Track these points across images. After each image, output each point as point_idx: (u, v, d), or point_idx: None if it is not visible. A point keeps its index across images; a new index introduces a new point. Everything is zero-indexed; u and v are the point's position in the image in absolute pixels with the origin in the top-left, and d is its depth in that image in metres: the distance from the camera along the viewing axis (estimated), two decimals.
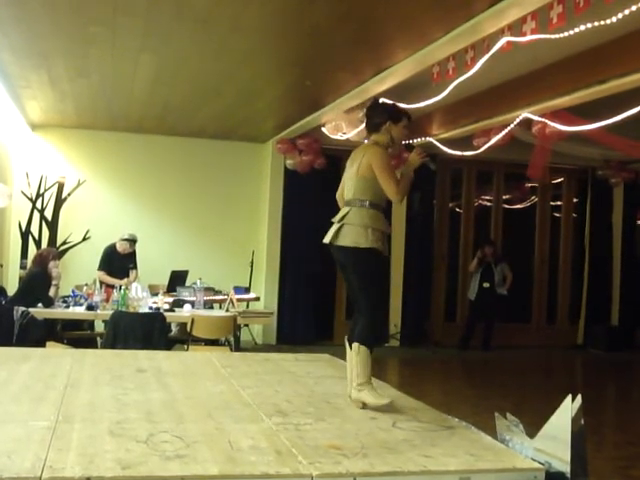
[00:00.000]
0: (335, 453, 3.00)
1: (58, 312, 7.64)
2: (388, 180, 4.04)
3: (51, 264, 7.72)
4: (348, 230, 4.07)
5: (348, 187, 4.19)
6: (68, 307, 7.77)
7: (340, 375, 4.90)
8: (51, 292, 7.69)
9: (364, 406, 3.93)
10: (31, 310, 7.21)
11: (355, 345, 4.01)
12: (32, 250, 10.34)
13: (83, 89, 8.77)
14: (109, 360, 5.29)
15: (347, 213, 4.12)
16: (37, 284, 7.60)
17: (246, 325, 10.36)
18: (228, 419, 3.53)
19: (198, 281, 8.83)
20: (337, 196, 4.40)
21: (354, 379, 4.00)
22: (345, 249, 4.07)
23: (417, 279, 12.05)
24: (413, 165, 4.29)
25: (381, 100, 4.58)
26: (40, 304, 7.48)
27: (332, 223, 4.20)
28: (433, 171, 4.46)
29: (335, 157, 10.64)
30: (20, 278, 9.75)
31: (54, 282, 7.78)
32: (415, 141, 10.34)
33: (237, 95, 8.74)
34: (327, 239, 4.16)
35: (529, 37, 5.34)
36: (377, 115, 4.26)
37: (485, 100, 8.34)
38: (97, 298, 7.74)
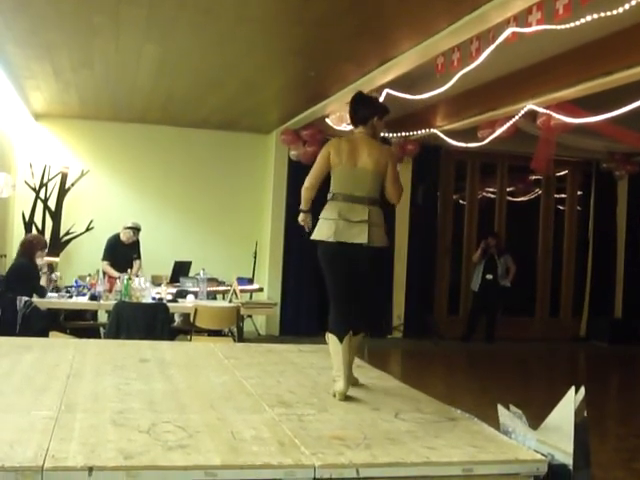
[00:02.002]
0: (338, 444, 2.99)
1: (61, 302, 7.64)
2: (398, 183, 4.13)
3: (38, 253, 7.66)
4: (378, 232, 4.05)
5: (360, 183, 4.06)
6: (71, 297, 7.76)
7: None
8: (42, 281, 7.67)
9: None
10: (34, 300, 7.21)
11: (358, 337, 4.15)
12: None
13: (87, 80, 8.76)
14: (112, 350, 5.29)
15: (370, 212, 4.02)
16: (24, 275, 7.50)
17: (249, 316, 10.36)
18: (231, 409, 3.53)
19: (201, 272, 8.82)
20: (312, 186, 4.17)
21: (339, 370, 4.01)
22: (376, 250, 4.05)
23: (420, 271, 12.05)
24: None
25: (364, 93, 4.51)
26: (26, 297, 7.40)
27: (344, 220, 4.00)
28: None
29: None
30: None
31: (43, 270, 7.75)
32: (419, 132, 10.34)
33: (241, 86, 8.72)
34: (360, 239, 3.98)
35: (535, 28, 5.30)
36: (365, 108, 4.24)
37: (490, 91, 8.31)
38: (100, 288, 7.73)
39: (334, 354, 4.05)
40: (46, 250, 7.93)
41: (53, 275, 8.10)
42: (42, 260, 7.76)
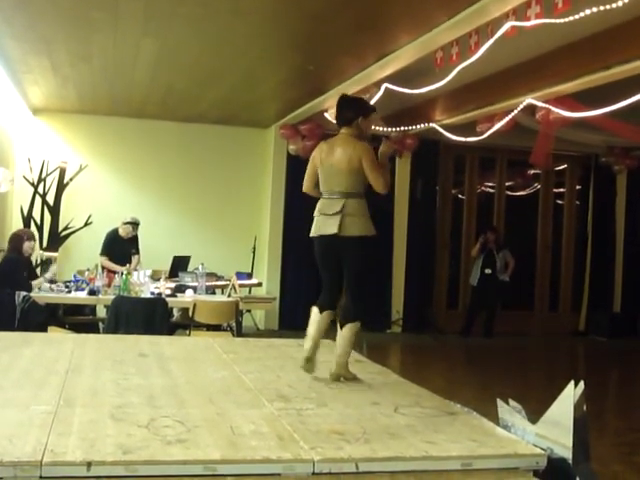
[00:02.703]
0: (337, 438, 2.99)
1: (60, 297, 7.64)
2: (376, 174, 4.30)
3: (26, 244, 7.65)
4: (352, 221, 4.30)
5: (337, 180, 4.36)
6: (70, 292, 7.77)
7: None
8: (44, 278, 7.68)
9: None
10: (33, 295, 7.21)
11: (349, 326, 4.36)
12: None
13: (85, 74, 8.74)
14: (111, 345, 5.29)
15: (345, 205, 4.31)
16: (10, 270, 7.47)
17: (248, 311, 10.36)
18: (230, 404, 3.53)
19: (200, 266, 8.82)
20: (308, 188, 4.61)
21: (342, 355, 4.37)
22: (352, 239, 4.31)
23: (419, 266, 12.04)
24: (387, 156, 4.55)
25: (349, 95, 4.87)
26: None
27: (323, 215, 4.39)
28: (394, 158, 4.80)
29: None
30: None
31: (47, 275, 7.77)
32: (418, 126, 10.33)
33: (239, 80, 8.71)
34: (332, 230, 4.31)
35: (534, 22, 5.29)
36: (349, 110, 4.48)
37: (489, 86, 8.30)
38: (99, 283, 7.73)
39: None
40: (34, 241, 7.90)
41: (48, 274, 8.04)
42: (31, 250, 7.75)
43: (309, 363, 4.40)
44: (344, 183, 4.34)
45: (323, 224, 4.37)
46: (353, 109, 4.48)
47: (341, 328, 4.39)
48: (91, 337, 6.05)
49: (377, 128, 10.31)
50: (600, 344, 12.00)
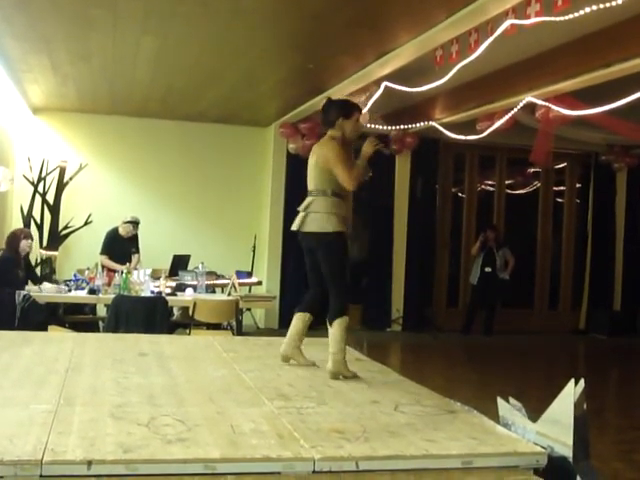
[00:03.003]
0: (337, 437, 2.99)
1: (60, 296, 7.64)
2: (342, 170, 4.38)
3: (22, 243, 7.64)
4: (313, 217, 4.46)
5: (310, 179, 4.56)
6: (70, 291, 7.77)
7: None
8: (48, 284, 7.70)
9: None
10: (33, 294, 7.21)
11: (336, 322, 4.44)
12: (34, 234, 10.32)
13: (84, 73, 8.74)
14: (111, 344, 5.29)
15: (311, 202, 4.50)
16: (4, 269, 7.46)
17: (248, 309, 10.36)
18: (230, 403, 3.53)
19: (200, 265, 8.81)
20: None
21: (337, 352, 4.40)
22: (313, 235, 4.47)
23: (419, 264, 12.04)
24: (367, 154, 4.56)
25: (334, 98, 4.95)
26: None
27: (297, 212, 4.60)
28: (388, 155, 4.82)
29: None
30: None
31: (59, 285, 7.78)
32: (418, 125, 10.33)
33: (239, 79, 8.70)
34: (294, 227, 4.57)
35: (533, 20, 5.29)
36: (330, 112, 4.60)
37: (488, 84, 8.29)
38: (99, 282, 7.73)
39: (343, 339, 4.46)
40: (31, 240, 7.88)
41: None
42: (28, 249, 7.74)
43: (286, 361, 4.72)
44: (313, 181, 4.53)
45: (295, 220, 4.60)
46: (334, 111, 4.58)
47: (330, 326, 4.49)
48: (91, 336, 6.05)
49: (377, 127, 10.33)
50: (600, 342, 12.00)
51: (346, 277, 4.56)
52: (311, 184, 4.55)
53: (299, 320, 4.74)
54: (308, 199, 4.53)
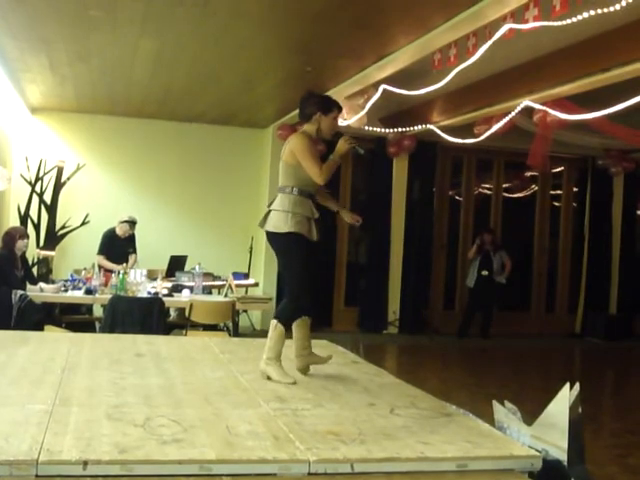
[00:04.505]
0: (333, 439, 3.00)
1: (56, 296, 7.64)
2: (310, 163, 4.26)
3: (18, 242, 7.61)
4: (272, 215, 4.35)
5: (280, 174, 4.47)
6: (67, 291, 7.76)
7: (339, 361, 4.91)
8: (47, 285, 7.67)
9: (269, 379, 4.20)
10: (30, 294, 7.20)
11: (273, 321, 4.34)
12: (31, 234, 10.31)
13: (83, 73, 8.73)
14: (107, 344, 5.29)
15: (274, 199, 4.41)
16: (0, 268, 7.47)
17: (245, 311, 10.34)
18: (226, 404, 3.53)
19: (197, 266, 8.81)
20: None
21: (265, 352, 4.29)
22: (269, 234, 4.37)
23: (416, 267, 12.04)
24: (340, 151, 4.43)
25: (313, 92, 4.79)
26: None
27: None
28: (361, 155, 4.71)
29: (335, 143, 10.57)
30: None
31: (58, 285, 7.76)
32: (415, 128, 10.34)
33: (237, 80, 8.71)
34: (259, 224, 4.48)
35: (531, 24, 5.31)
36: (308, 106, 4.47)
37: (486, 88, 8.31)
38: (96, 282, 7.72)
39: (276, 341, 4.33)
40: (27, 239, 7.86)
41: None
42: (24, 248, 7.72)
43: (305, 373, 4.48)
44: (282, 177, 4.44)
45: None
46: (313, 105, 4.45)
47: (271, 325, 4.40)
48: (87, 336, 6.05)
49: (375, 130, 10.34)
50: (596, 346, 12.01)
51: (302, 282, 4.33)
52: (280, 180, 4.46)
53: (297, 328, 4.51)
54: (275, 195, 4.45)
